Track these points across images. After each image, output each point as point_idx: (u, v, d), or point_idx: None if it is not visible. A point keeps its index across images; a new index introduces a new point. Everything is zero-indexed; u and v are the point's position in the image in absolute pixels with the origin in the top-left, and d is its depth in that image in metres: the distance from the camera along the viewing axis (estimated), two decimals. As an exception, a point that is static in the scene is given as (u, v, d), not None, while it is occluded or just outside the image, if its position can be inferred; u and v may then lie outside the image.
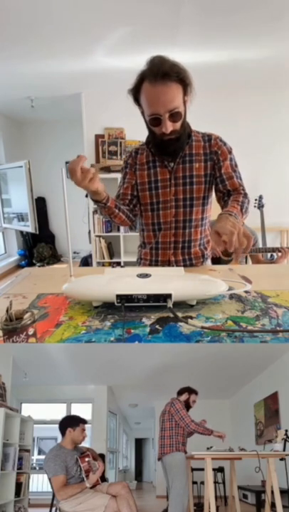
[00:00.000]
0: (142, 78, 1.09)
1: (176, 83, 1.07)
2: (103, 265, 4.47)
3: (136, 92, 1.14)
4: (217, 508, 1.24)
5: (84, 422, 1.35)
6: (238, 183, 1.27)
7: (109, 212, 1.26)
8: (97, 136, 4.35)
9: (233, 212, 1.07)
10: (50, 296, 1.00)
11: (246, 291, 0.98)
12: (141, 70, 1.09)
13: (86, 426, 1.37)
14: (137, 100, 1.16)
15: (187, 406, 1.46)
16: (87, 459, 1.23)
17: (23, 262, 5.63)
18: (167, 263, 1.37)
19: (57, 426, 1.35)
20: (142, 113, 1.19)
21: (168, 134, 1.14)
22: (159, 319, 0.83)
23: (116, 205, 1.26)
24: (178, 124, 1.14)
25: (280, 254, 2.61)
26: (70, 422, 1.32)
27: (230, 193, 1.27)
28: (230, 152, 1.27)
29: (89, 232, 4.57)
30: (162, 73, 1.04)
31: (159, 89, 1.06)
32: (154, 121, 1.14)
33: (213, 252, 1.47)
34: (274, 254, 2.84)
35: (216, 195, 1.32)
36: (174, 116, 1.11)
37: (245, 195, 1.24)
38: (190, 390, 1.50)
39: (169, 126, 1.12)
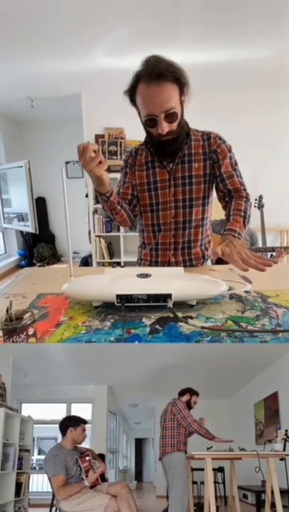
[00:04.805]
0: (137, 79, 1.08)
1: (171, 83, 1.05)
2: (103, 265, 4.47)
3: (132, 93, 1.13)
4: (217, 508, 1.24)
5: (84, 422, 1.35)
6: (239, 181, 1.26)
7: (111, 207, 1.25)
8: (97, 136, 4.35)
9: (236, 230, 1.08)
10: (50, 296, 1.00)
11: (246, 291, 0.98)
12: (136, 71, 1.08)
13: (86, 426, 1.37)
14: (133, 101, 1.15)
15: (188, 407, 1.46)
16: (88, 458, 1.23)
17: (23, 262, 5.63)
18: (167, 264, 1.36)
19: (57, 426, 1.35)
20: (139, 114, 1.18)
21: (164, 134, 1.13)
22: (159, 319, 0.83)
23: (118, 202, 1.26)
24: (174, 125, 1.13)
25: (274, 254, 2.63)
26: (72, 422, 1.32)
27: (231, 193, 1.26)
28: (229, 150, 1.26)
29: (89, 232, 4.57)
30: (157, 73, 1.02)
31: (153, 90, 1.05)
32: (150, 122, 1.13)
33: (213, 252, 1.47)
34: (274, 253, 2.85)
35: (217, 195, 1.31)
36: (170, 116, 1.10)
37: (247, 198, 1.23)
38: (191, 391, 1.50)
39: (165, 127, 1.11)
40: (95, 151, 1.01)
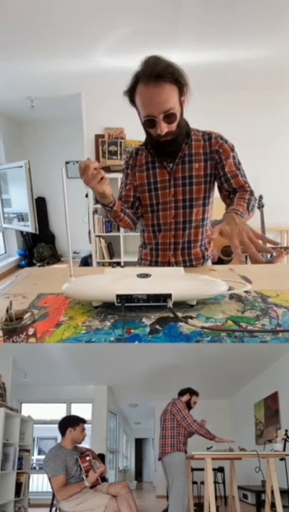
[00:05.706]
0: (137, 79, 1.08)
1: (170, 84, 1.05)
2: (103, 265, 4.47)
3: (131, 94, 1.13)
4: (217, 508, 1.24)
5: (84, 421, 1.35)
6: (243, 180, 1.25)
7: (114, 215, 1.27)
8: (97, 136, 4.35)
9: (239, 210, 1.04)
10: (50, 296, 1.00)
11: (246, 291, 0.98)
12: (135, 71, 1.08)
13: (86, 426, 1.37)
14: (133, 101, 1.15)
15: (188, 407, 1.46)
16: (88, 458, 1.23)
17: (23, 262, 5.63)
18: (167, 264, 1.36)
19: (57, 426, 1.35)
20: (139, 114, 1.18)
21: (163, 135, 1.13)
22: (159, 319, 0.83)
23: (122, 209, 1.27)
24: (173, 125, 1.13)
25: (274, 254, 2.63)
26: (71, 422, 1.32)
27: (236, 190, 1.25)
28: (232, 149, 1.26)
29: (89, 232, 4.57)
30: (155, 74, 1.02)
31: (152, 91, 1.05)
32: (149, 123, 1.13)
33: (212, 255, 1.46)
34: (274, 254, 2.85)
35: (221, 194, 1.30)
36: (169, 117, 1.10)
37: (251, 193, 1.22)
38: (191, 391, 1.50)
39: (164, 128, 1.11)
40: (96, 168, 1.02)
